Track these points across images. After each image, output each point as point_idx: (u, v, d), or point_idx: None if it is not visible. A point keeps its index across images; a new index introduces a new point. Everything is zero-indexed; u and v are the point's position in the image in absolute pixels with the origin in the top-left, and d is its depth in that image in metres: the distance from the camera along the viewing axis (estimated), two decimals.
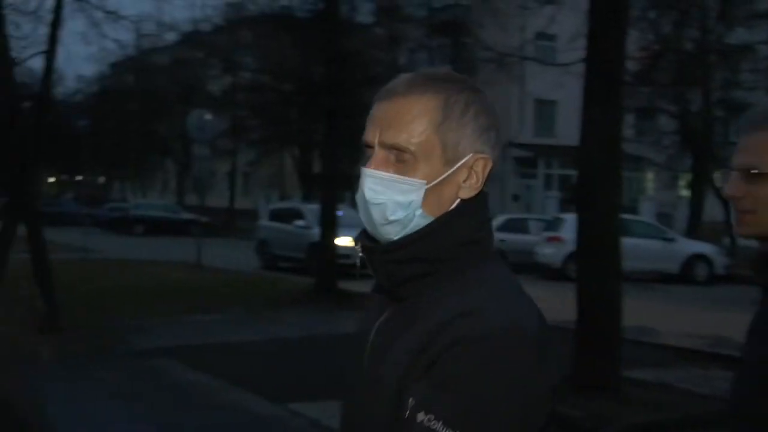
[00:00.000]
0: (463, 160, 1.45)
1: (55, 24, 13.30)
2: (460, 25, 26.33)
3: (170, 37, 37.01)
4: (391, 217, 1.42)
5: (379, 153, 1.44)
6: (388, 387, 1.40)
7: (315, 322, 12.62)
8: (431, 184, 1.43)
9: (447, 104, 1.44)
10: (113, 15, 15.14)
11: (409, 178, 1.42)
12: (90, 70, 68.69)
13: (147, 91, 42.28)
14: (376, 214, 1.44)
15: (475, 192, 1.46)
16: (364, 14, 24.37)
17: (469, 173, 1.45)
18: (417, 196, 1.42)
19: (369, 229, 1.47)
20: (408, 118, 1.42)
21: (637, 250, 17.43)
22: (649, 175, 40.03)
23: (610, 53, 7.48)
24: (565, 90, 18.06)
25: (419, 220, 1.44)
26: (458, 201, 1.46)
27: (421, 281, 1.45)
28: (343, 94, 16.15)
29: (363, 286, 13.79)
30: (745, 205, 1.80)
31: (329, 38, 15.53)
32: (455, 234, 1.45)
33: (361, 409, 1.48)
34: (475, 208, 1.47)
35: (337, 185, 17.20)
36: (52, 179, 67.52)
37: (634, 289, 10.53)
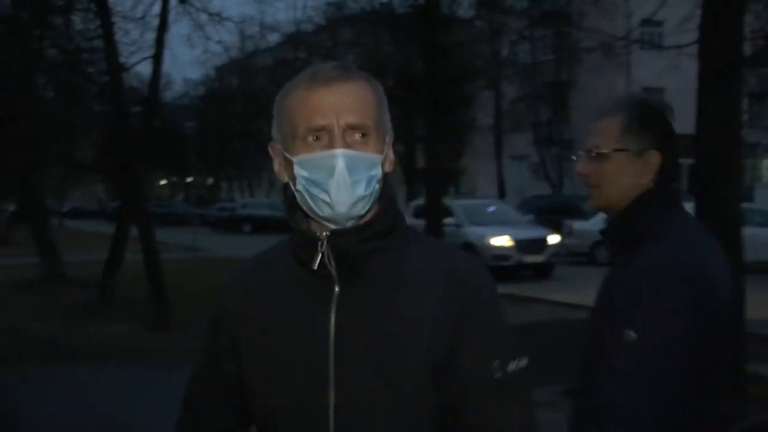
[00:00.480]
0: (387, 138, 1.59)
1: (162, 28, 13.55)
2: (562, 15, 25.80)
3: (273, 38, 37.44)
4: (366, 192, 1.52)
5: (340, 134, 1.51)
6: (411, 348, 1.50)
7: None
8: (382, 158, 1.56)
9: (376, 89, 1.59)
10: (216, 17, 15.36)
11: (372, 154, 1.54)
12: (197, 73, 70.39)
13: (250, 93, 42.94)
14: (354, 190, 1.50)
15: (392, 168, 1.60)
16: (465, 8, 24.14)
17: (389, 150, 1.60)
18: (378, 170, 1.55)
19: (340, 209, 1.51)
20: (362, 100, 1.54)
21: (755, 239, 16.65)
22: (765, 162, 38.55)
23: (728, 36, 7.09)
24: (673, 76, 17.43)
25: (377, 192, 1.55)
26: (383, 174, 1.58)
27: (377, 255, 1.56)
28: (444, 88, 15.97)
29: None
30: (592, 182, 2.13)
31: (429, 33, 15.37)
32: (394, 207, 1.62)
33: (371, 386, 1.52)
34: (391, 184, 1.63)
35: (441, 179, 17.01)
36: (163, 181, 69.38)
37: (755, 281, 10.03)
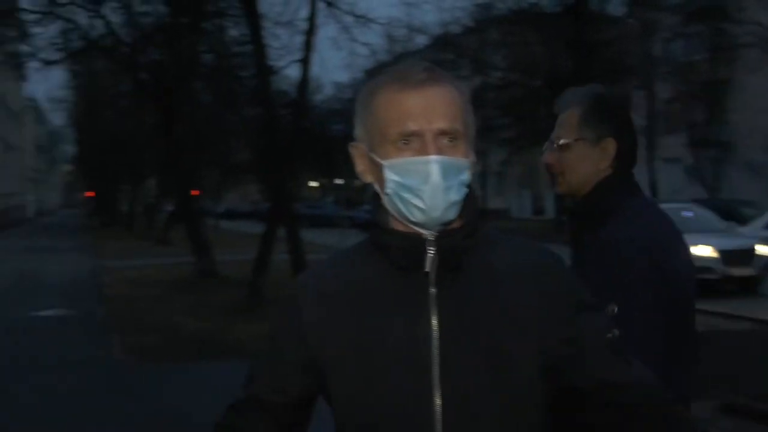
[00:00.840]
0: (472, 141, 1.59)
1: (309, 32, 13.83)
2: (719, 9, 24.70)
3: (420, 40, 37.67)
4: (457, 198, 1.51)
5: (435, 139, 1.49)
6: (523, 343, 1.51)
7: None
8: (471, 162, 1.56)
9: (462, 92, 1.57)
10: (362, 19, 15.53)
11: (463, 159, 1.53)
12: (346, 77, 71.55)
13: None
14: (448, 196, 1.50)
15: (474, 170, 1.58)
16: (616, 5, 23.53)
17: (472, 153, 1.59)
18: (467, 175, 1.54)
19: (433, 214, 1.50)
20: (451, 104, 1.52)
21: None
22: None
23: None
24: None
25: (464, 196, 1.54)
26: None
27: (470, 253, 1.56)
28: None
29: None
30: (556, 170, 2.29)
31: (577, 31, 15.03)
32: (478, 206, 1.61)
33: (479, 387, 1.49)
34: (471, 185, 1.59)
35: None
36: (314, 183, 70.84)
37: None
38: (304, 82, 14.33)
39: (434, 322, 1.51)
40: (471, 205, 1.57)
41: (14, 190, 59.22)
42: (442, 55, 39.05)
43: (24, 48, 20.23)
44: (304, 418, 1.65)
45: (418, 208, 1.50)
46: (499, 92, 31.36)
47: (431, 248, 1.52)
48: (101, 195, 58.43)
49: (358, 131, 1.61)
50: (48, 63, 18.37)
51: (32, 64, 21.31)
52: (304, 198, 60.50)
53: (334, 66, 58.81)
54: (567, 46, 16.77)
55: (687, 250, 2.28)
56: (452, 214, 1.52)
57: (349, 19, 15.57)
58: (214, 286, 16.03)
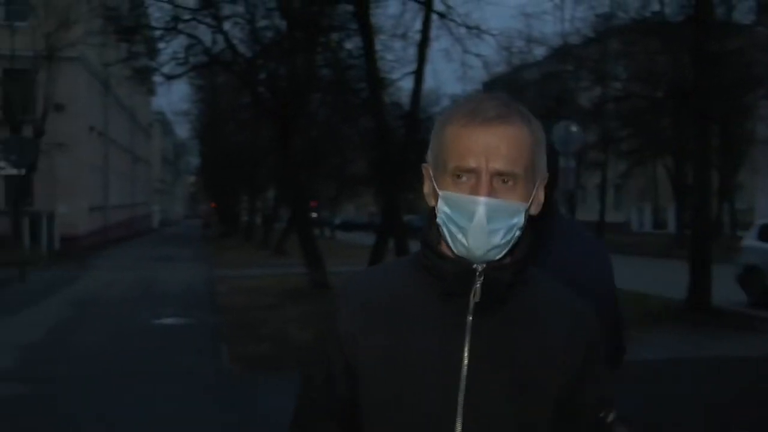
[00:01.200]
0: (538, 182, 1.58)
1: (423, 43, 13.79)
2: None
3: (539, 51, 37.17)
4: (503, 240, 1.52)
5: (486, 179, 1.51)
6: (545, 389, 1.56)
7: (683, 344, 11.72)
8: (528, 205, 1.55)
9: (533, 132, 1.56)
10: (475, 30, 15.40)
11: (516, 203, 1.53)
12: (461, 89, 71.38)
13: None
14: (491, 239, 1.51)
15: (539, 210, 1.60)
16: (743, 13, 22.61)
17: (539, 192, 1.59)
18: (521, 218, 1.54)
19: (476, 253, 1.52)
20: (516, 146, 1.52)
21: None
22: None
23: None
24: None
25: (517, 239, 1.55)
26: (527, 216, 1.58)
27: (513, 292, 1.58)
28: (717, 98, 14.92)
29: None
30: None
31: (702, 40, 14.46)
32: (532, 246, 1.61)
33: (499, 419, 1.54)
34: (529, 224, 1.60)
35: (710, 194, 15.80)
36: None
37: None
38: (416, 93, 14.30)
39: (466, 349, 1.55)
40: (524, 242, 1.59)
41: (142, 201, 61.44)
42: (562, 66, 38.50)
43: (149, 63, 20.96)
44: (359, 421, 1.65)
45: (462, 244, 1.53)
46: (619, 103, 30.53)
47: (479, 279, 1.55)
48: (222, 206, 60.01)
49: (429, 155, 1.63)
50: (170, 78, 18.93)
51: (156, 79, 22.08)
52: (420, 210, 60.47)
53: (447, 78, 58.79)
54: (690, 56, 16.14)
55: (602, 264, 2.55)
56: (495, 255, 1.54)
57: (461, 30, 15.47)
58: (326, 296, 16.12)
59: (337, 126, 26.35)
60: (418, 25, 14.24)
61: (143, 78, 22.38)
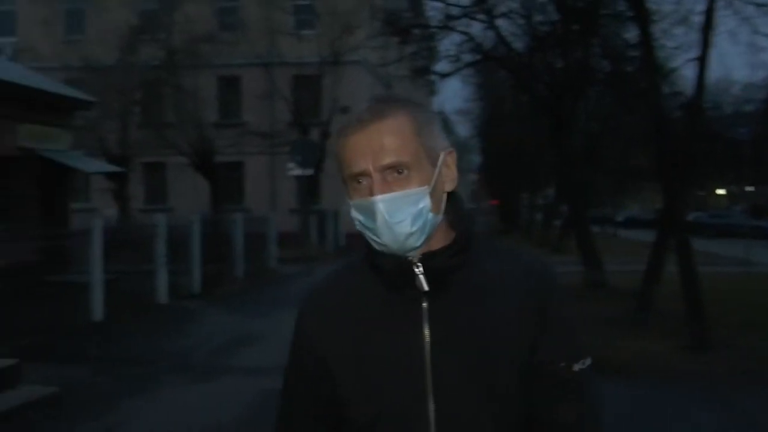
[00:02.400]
0: (441, 159, 1.66)
1: (707, 27, 12.76)
2: None
3: None
4: (413, 229, 1.60)
5: (378, 177, 1.59)
6: (507, 354, 1.63)
7: None
8: (430, 187, 1.63)
9: (414, 118, 1.64)
10: (766, 7, 14.02)
11: (414, 189, 1.60)
12: (751, 75, 66.70)
13: None
14: (400, 230, 1.59)
15: (455, 184, 1.71)
16: None
17: (447, 169, 1.68)
18: (425, 202, 1.61)
19: (393, 247, 1.61)
20: (394, 136, 1.60)
21: None
22: None
23: None
24: None
25: (432, 220, 1.63)
26: (445, 194, 1.68)
27: (458, 270, 1.66)
28: None
29: None
30: None
31: None
32: (468, 223, 1.71)
33: (468, 394, 1.61)
34: (461, 197, 1.74)
35: None
36: (721, 191, 66.93)
37: None
38: (700, 81, 13.26)
39: (426, 333, 1.64)
40: (461, 222, 1.69)
41: None
42: None
43: (425, 62, 21.28)
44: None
45: (379, 243, 1.63)
46: None
47: (419, 269, 1.64)
48: (503, 203, 60.14)
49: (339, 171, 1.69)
50: (443, 76, 19.07)
51: (432, 78, 22.38)
52: (710, 207, 57.18)
53: (734, 63, 54.79)
54: None
55: None
56: (414, 242, 1.62)
57: (749, 9, 14.15)
58: (602, 296, 15.47)
59: (616, 119, 25.41)
60: (700, 6, 13.13)
61: (419, 77, 22.75)
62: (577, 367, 1.68)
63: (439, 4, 18.08)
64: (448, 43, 18.81)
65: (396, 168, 1.59)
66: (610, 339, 10.88)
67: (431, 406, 1.62)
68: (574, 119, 19.64)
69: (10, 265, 12.19)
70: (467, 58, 19.03)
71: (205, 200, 28.00)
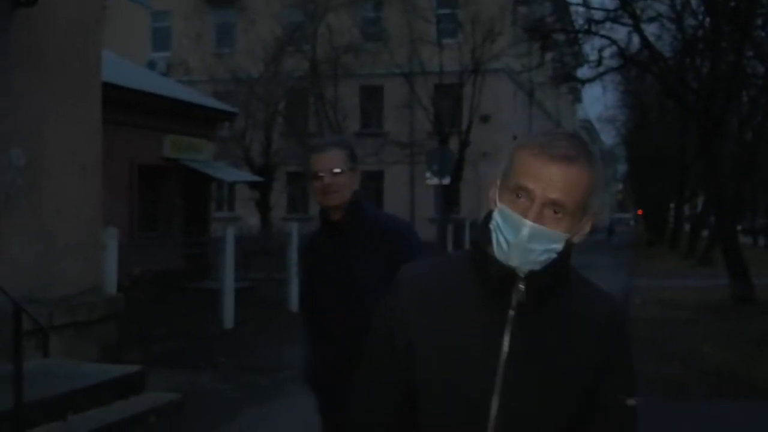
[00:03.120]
0: (587, 217, 1.80)
1: None
2: None
3: None
4: (540, 258, 1.75)
5: (540, 206, 1.72)
6: (575, 379, 1.77)
7: None
8: (570, 235, 1.77)
9: (593, 175, 1.76)
10: None
11: (559, 232, 1.74)
12: None
13: None
14: (529, 256, 1.73)
15: (582, 239, 1.83)
16: None
17: (586, 226, 1.82)
18: (560, 245, 1.76)
19: (513, 262, 1.74)
20: (573, 183, 1.73)
21: None
22: None
23: None
24: None
25: (553, 258, 1.76)
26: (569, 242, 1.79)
27: (552, 295, 1.81)
28: None
29: None
30: (333, 189, 3.43)
31: None
32: (570, 262, 1.84)
33: (531, 405, 1.76)
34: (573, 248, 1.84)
35: None
36: None
37: None
38: None
39: (506, 340, 1.77)
40: (565, 252, 1.78)
41: None
42: None
43: (566, 68, 20.80)
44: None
45: (503, 251, 1.74)
46: None
47: (522, 284, 1.76)
48: (649, 213, 58.29)
49: (500, 168, 1.81)
50: (584, 82, 18.55)
51: (573, 84, 21.84)
52: None
53: None
54: None
55: (414, 234, 3.59)
56: (530, 267, 1.75)
57: None
58: (749, 313, 14.57)
59: None
60: None
61: (560, 83, 22.28)
62: (631, 402, 1.83)
63: (583, 9, 17.62)
64: (589, 49, 18.29)
65: (556, 206, 1.72)
66: (754, 358, 10.25)
67: (494, 407, 1.76)
68: (725, 126, 18.70)
69: (158, 271, 12.59)
70: (610, 63, 18.47)
71: None
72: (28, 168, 8.23)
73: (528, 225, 1.70)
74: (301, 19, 29.14)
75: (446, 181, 22.74)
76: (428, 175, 22.89)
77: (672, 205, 49.15)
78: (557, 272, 1.78)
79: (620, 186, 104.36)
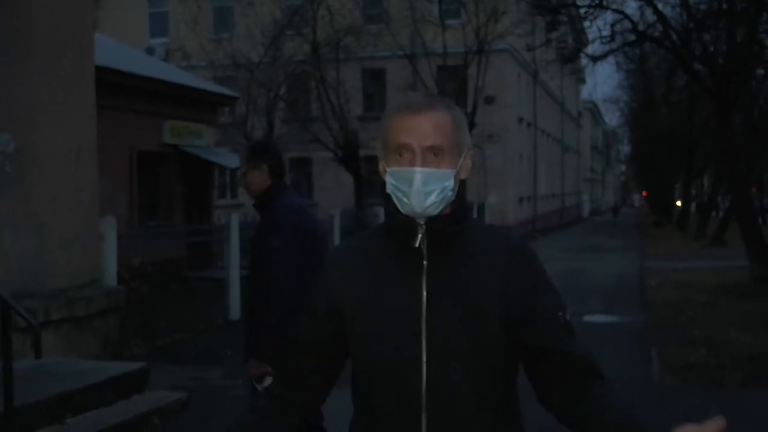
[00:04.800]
0: (465, 152, 2.07)
1: None
2: None
3: None
4: (437, 199, 1.98)
5: (420, 154, 1.98)
6: (491, 312, 1.98)
7: None
8: (455, 172, 2.03)
9: (454, 117, 2.04)
10: None
11: (445, 170, 2.00)
12: None
13: None
14: (427, 198, 1.96)
15: (469, 174, 2.10)
16: None
17: (467, 161, 2.08)
18: (450, 182, 2.01)
19: (417, 210, 1.97)
20: (440, 126, 2.00)
21: None
22: None
23: None
24: None
25: (450, 197, 2.02)
26: (460, 180, 2.07)
27: (456, 236, 2.04)
28: None
29: None
30: (245, 184, 4.74)
31: None
32: (465, 201, 2.18)
33: (456, 338, 1.97)
34: (465, 187, 2.17)
35: None
36: None
37: None
38: None
39: (424, 287, 2.00)
40: (460, 199, 2.06)
41: (572, 191, 61.32)
42: None
43: (575, 45, 20.26)
44: (336, 362, 2.17)
45: (406, 204, 1.98)
46: None
47: (422, 230, 2.00)
48: (654, 194, 57.80)
49: (379, 142, 2.08)
50: (595, 59, 18.04)
51: (582, 62, 21.30)
52: None
53: None
54: None
55: (316, 218, 5.01)
56: (433, 210, 1.99)
57: None
58: None
59: None
60: None
61: (567, 62, 21.74)
62: (567, 316, 2.04)
63: None
64: (601, 24, 17.72)
65: (434, 150, 1.97)
66: None
67: (424, 347, 1.97)
68: (739, 102, 18.18)
69: (160, 261, 12.11)
70: (620, 39, 17.93)
71: (349, 195, 27.84)
72: (18, 154, 7.77)
73: (418, 170, 1.94)
74: (300, 1, 28.55)
75: None
76: None
77: (677, 185, 48.60)
78: (454, 215, 2.02)
79: (623, 168, 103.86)
